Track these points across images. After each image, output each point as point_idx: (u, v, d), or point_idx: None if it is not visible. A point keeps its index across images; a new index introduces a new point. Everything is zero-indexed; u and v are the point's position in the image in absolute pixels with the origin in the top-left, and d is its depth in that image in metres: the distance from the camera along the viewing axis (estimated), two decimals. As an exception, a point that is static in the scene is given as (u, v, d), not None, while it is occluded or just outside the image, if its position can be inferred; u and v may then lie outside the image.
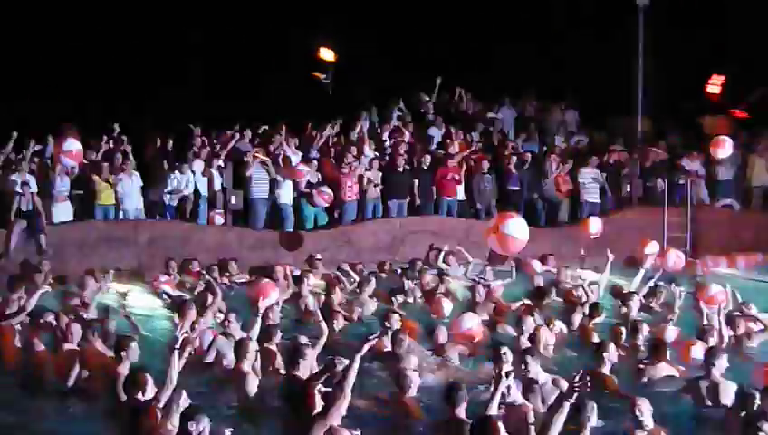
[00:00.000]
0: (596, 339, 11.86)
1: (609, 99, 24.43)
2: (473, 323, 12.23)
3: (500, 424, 7.31)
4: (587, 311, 13.20)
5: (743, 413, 8.23)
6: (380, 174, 20.64)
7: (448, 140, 22.23)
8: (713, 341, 11.25)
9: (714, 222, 21.94)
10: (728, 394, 9.29)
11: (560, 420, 7.23)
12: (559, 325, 12.69)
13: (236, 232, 19.49)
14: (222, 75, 25.23)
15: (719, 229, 21.76)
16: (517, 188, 21.39)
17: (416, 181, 20.78)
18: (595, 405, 7.70)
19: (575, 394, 7.24)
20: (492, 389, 8.11)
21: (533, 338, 11.30)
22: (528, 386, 8.88)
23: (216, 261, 17.43)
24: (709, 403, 9.47)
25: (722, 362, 9.76)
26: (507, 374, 8.11)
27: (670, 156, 22.80)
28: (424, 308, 14.95)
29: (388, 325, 11.63)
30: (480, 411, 7.88)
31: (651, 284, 15.18)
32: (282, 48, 25.15)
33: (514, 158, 21.70)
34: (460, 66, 25.56)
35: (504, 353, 9.57)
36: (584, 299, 13.76)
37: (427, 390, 9.60)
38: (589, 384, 7.42)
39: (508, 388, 8.21)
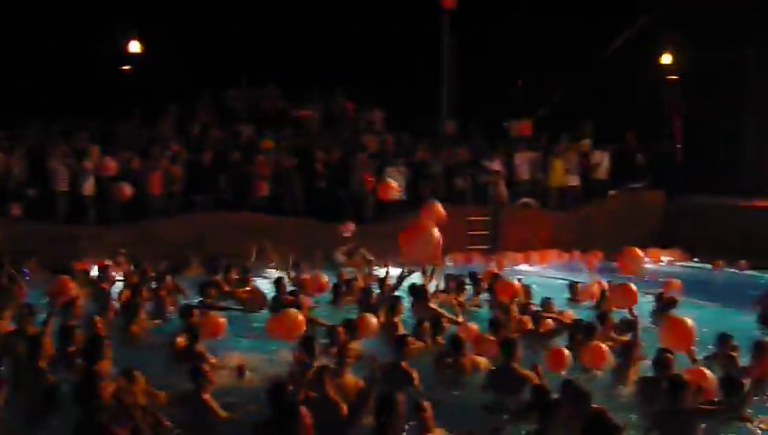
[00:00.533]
0: (402, 333, 12.00)
1: (415, 100, 24.91)
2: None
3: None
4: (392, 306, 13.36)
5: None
6: (187, 169, 20.34)
7: (258, 137, 22.14)
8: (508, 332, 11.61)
9: (514, 220, 22.69)
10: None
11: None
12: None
13: (33, 225, 18.79)
14: (26, 68, 24.22)
15: (519, 228, 22.52)
16: (324, 186, 21.50)
17: (223, 177, 20.58)
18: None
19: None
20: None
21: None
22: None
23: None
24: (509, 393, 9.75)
25: (518, 353, 10.14)
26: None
27: (474, 156, 23.41)
28: (237, 302, 14.89)
29: (190, 321, 11.49)
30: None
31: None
32: (88, 43, 24.34)
33: (322, 156, 21.80)
34: (269, 63, 25.41)
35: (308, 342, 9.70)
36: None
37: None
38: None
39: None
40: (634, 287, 11.48)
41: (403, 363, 10.02)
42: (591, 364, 10.64)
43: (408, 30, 25.45)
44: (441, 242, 11.57)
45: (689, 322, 10.13)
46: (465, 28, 24.71)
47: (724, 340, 11.16)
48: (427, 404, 7.94)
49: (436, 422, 7.98)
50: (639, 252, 13.36)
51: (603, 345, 10.86)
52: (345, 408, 8.16)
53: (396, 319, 12.77)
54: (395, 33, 25.93)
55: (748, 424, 9.08)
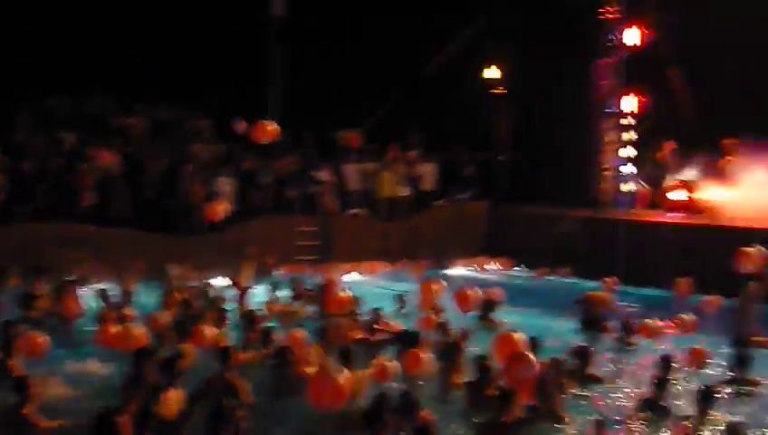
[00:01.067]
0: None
1: (244, 109, 24.72)
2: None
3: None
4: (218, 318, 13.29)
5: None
6: (7, 178, 19.60)
7: (82, 146, 21.51)
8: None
9: (343, 230, 22.83)
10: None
11: None
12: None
13: None
14: None
15: (349, 238, 22.67)
16: (152, 196, 21.11)
17: (44, 186, 19.91)
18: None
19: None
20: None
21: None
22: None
23: None
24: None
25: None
26: None
27: (303, 166, 23.42)
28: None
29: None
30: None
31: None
32: None
33: (151, 164, 21.39)
34: (95, 70, 24.73)
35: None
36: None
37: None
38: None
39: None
40: (471, 292, 11.88)
41: (229, 375, 9.95)
42: (411, 372, 10.77)
43: (238, 39, 25.27)
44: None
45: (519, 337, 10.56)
46: (295, 38, 24.72)
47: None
48: (242, 414, 7.88)
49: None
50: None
51: (423, 353, 11.05)
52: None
53: (221, 330, 12.68)
54: (224, 41, 25.69)
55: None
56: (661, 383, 10.32)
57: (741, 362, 11.63)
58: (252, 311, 13.94)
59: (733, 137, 22.86)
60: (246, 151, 23.11)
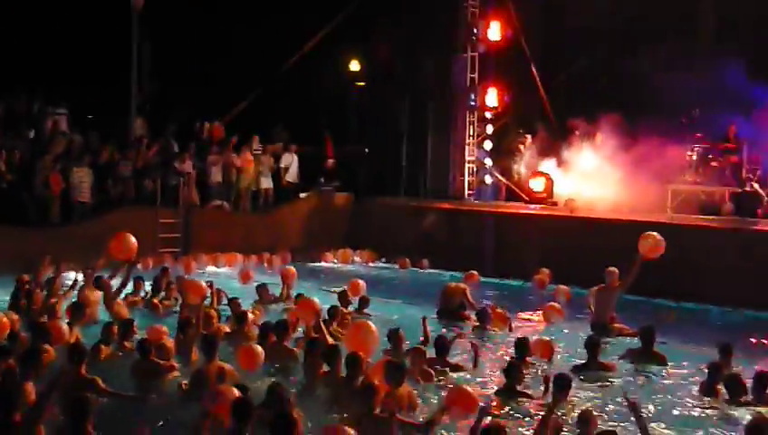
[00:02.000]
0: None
1: (102, 99, 24.21)
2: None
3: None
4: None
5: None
6: None
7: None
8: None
9: (205, 223, 22.58)
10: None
11: None
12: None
13: None
14: None
15: (211, 230, 22.43)
16: (7, 187, 20.42)
17: None
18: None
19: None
20: None
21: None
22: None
23: None
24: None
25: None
26: None
27: (164, 157, 23.05)
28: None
29: None
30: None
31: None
32: None
33: (5, 156, 20.67)
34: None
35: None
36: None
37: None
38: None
39: None
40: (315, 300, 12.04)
41: (81, 370, 9.75)
42: (244, 365, 10.69)
43: (99, 29, 24.69)
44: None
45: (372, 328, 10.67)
46: (157, 28, 24.28)
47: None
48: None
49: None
50: None
51: (255, 346, 11.07)
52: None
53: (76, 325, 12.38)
54: (84, 32, 25.07)
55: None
56: (516, 370, 10.55)
57: (595, 349, 11.99)
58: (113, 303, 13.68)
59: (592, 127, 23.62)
60: (105, 143, 22.62)
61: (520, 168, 25.32)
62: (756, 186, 21.43)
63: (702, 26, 24.78)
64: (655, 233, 14.43)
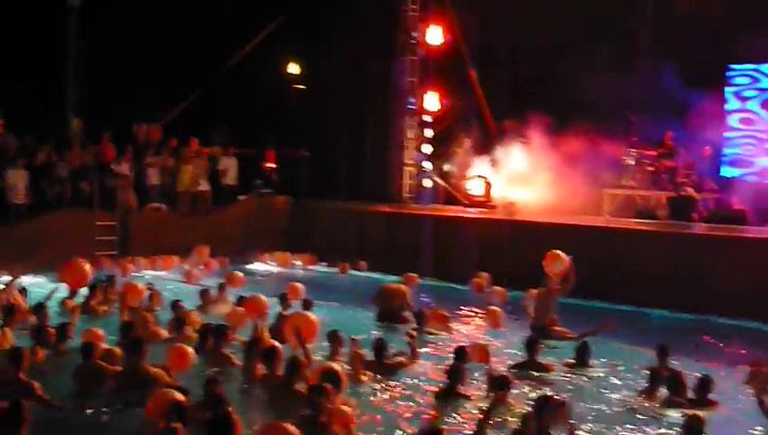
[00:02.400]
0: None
1: (39, 100, 23.82)
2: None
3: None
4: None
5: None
6: None
7: None
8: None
9: (143, 225, 22.34)
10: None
11: None
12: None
13: None
14: None
15: (148, 233, 22.19)
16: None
17: None
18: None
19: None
20: None
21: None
22: None
23: None
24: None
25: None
26: None
27: (101, 160, 22.74)
28: None
29: None
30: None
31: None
32: None
33: None
34: None
35: None
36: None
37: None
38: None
39: None
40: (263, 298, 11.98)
41: (21, 375, 9.60)
42: (173, 367, 10.56)
43: (33, 26, 24.28)
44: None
45: (312, 317, 10.63)
46: (94, 28, 23.98)
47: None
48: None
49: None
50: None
51: (186, 347, 10.99)
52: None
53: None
54: (18, 29, 24.62)
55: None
56: (456, 373, 10.60)
57: (533, 350, 12.10)
58: (42, 306, 13.45)
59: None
60: (41, 144, 22.28)
61: (456, 170, 25.46)
62: (691, 190, 21.81)
63: (640, 30, 25.13)
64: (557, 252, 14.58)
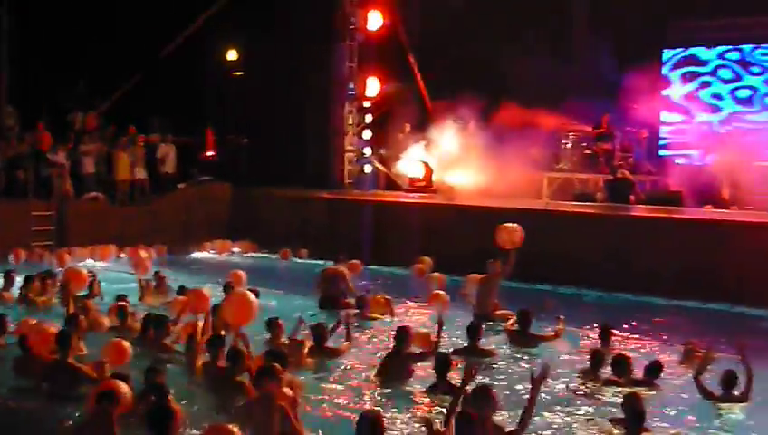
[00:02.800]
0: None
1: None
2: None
3: None
4: None
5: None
6: None
7: None
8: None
9: (80, 215, 22.04)
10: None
11: None
12: None
13: None
14: None
15: (86, 222, 21.90)
16: None
17: None
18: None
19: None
20: None
21: None
22: None
23: None
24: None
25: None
26: None
27: (36, 148, 22.36)
28: None
29: None
30: None
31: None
32: None
33: None
34: None
35: None
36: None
37: None
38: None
39: None
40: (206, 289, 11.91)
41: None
42: (111, 361, 10.37)
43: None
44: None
45: (251, 297, 10.58)
46: (28, 14, 23.54)
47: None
48: None
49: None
50: None
51: (123, 341, 10.86)
52: None
53: None
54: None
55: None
56: (443, 365, 10.45)
57: (476, 333, 12.16)
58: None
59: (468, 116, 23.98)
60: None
61: (397, 156, 25.49)
62: (628, 173, 22.10)
63: (576, 14, 25.39)
64: (510, 224, 14.70)
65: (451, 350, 11.83)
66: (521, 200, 20.95)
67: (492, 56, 23.87)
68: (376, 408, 8.85)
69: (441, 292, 15.29)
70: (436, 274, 17.39)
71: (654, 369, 10.85)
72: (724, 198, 20.88)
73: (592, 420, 9.68)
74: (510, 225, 14.84)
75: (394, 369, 10.79)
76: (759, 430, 9.47)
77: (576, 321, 13.98)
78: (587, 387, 10.79)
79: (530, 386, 7.91)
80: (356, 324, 13.37)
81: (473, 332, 12.19)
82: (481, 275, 15.06)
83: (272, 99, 26.07)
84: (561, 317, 12.96)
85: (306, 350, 11.29)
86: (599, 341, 12.30)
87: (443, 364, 10.19)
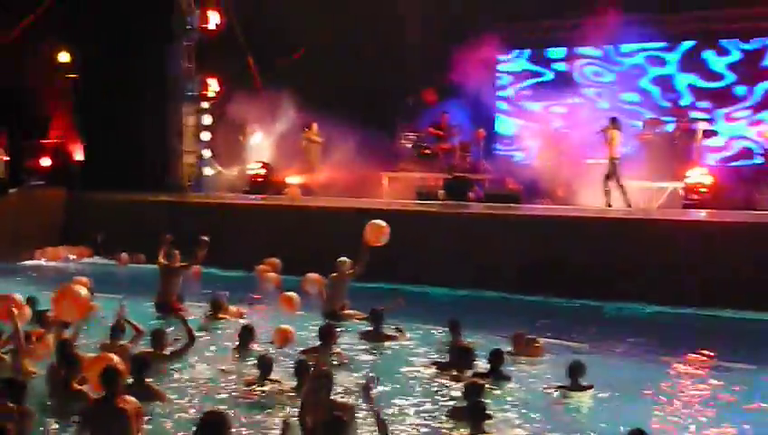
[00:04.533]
0: None
1: None
2: None
3: None
4: None
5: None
6: None
7: None
8: None
9: None
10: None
11: None
12: None
13: None
14: None
15: None
16: None
17: None
18: None
19: None
20: None
21: None
22: None
23: None
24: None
25: None
26: None
27: None
28: None
29: None
30: None
31: None
32: None
33: None
34: None
35: None
36: None
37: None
38: None
39: None
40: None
41: None
42: None
43: None
44: None
45: (83, 292, 10.24)
46: None
47: None
48: None
49: None
50: None
51: None
52: None
53: None
54: None
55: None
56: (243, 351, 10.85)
57: (329, 337, 12.01)
58: None
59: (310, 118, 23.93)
60: None
61: (240, 158, 25.23)
62: (467, 171, 22.59)
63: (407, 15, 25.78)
64: (379, 221, 14.77)
65: (301, 349, 11.85)
66: (363, 201, 21.03)
67: (329, 57, 23.92)
68: (220, 408, 8.67)
69: (291, 293, 15.07)
70: (272, 274, 17.13)
71: (496, 358, 10.98)
72: (558, 194, 21.49)
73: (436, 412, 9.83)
74: (378, 222, 14.78)
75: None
76: (606, 417, 9.71)
77: (423, 318, 14.19)
78: (436, 378, 11.02)
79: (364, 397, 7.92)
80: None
81: (326, 335, 12.06)
82: (318, 274, 15.10)
83: (107, 101, 25.26)
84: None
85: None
86: (449, 334, 12.61)
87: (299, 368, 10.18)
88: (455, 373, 10.90)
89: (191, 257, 15.21)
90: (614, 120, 20.24)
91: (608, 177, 19.88)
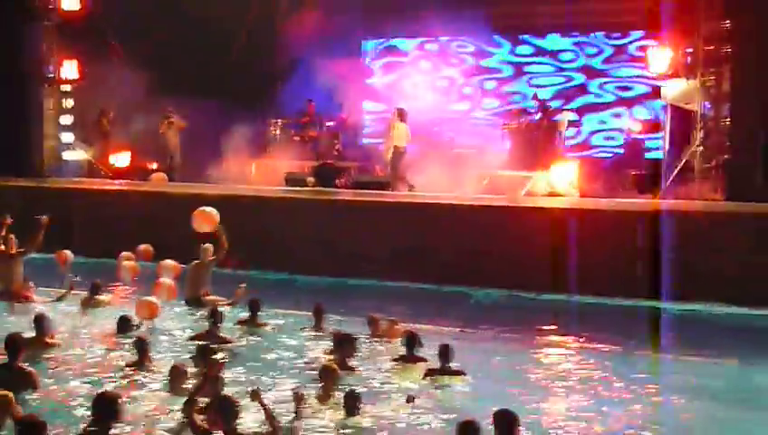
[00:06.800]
0: None
1: None
2: None
3: None
4: None
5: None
6: None
7: None
8: None
9: None
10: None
11: None
12: None
13: None
14: None
15: None
16: None
17: None
18: None
19: None
20: None
21: None
22: None
23: None
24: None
25: None
26: None
27: None
28: None
29: None
30: None
31: None
32: None
33: None
34: None
35: None
36: None
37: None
38: None
39: None
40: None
41: None
42: None
43: None
44: None
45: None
46: None
47: None
48: None
49: None
50: None
51: None
52: None
53: None
54: None
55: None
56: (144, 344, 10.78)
57: (217, 319, 12.15)
58: None
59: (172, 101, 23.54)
60: None
61: (100, 142, 24.63)
62: (335, 158, 22.72)
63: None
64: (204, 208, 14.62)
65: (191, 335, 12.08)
66: (231, 187, 20.83)
67: (196, 44, 23.62)
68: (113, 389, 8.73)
69: (166, 280, 14.76)
70: (128, 262, 16.67)
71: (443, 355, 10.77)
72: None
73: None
74: (205, 208, 14.64)
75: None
76: (481, 400, 9.80)
77: (289, 304, 14.35)
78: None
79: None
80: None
81: (214, 316, 12.20)
82: (175, 261, 15.08)
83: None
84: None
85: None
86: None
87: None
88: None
89: (28, 242, 14.67)
90: (400, 111, 21.06)
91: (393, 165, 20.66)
